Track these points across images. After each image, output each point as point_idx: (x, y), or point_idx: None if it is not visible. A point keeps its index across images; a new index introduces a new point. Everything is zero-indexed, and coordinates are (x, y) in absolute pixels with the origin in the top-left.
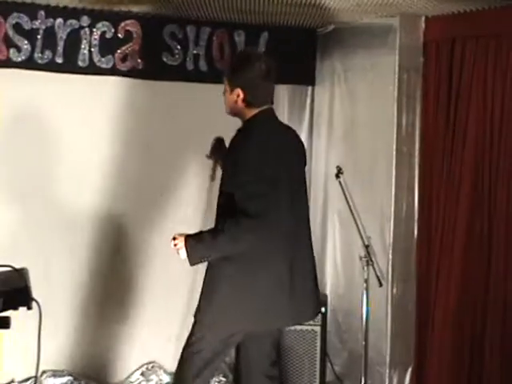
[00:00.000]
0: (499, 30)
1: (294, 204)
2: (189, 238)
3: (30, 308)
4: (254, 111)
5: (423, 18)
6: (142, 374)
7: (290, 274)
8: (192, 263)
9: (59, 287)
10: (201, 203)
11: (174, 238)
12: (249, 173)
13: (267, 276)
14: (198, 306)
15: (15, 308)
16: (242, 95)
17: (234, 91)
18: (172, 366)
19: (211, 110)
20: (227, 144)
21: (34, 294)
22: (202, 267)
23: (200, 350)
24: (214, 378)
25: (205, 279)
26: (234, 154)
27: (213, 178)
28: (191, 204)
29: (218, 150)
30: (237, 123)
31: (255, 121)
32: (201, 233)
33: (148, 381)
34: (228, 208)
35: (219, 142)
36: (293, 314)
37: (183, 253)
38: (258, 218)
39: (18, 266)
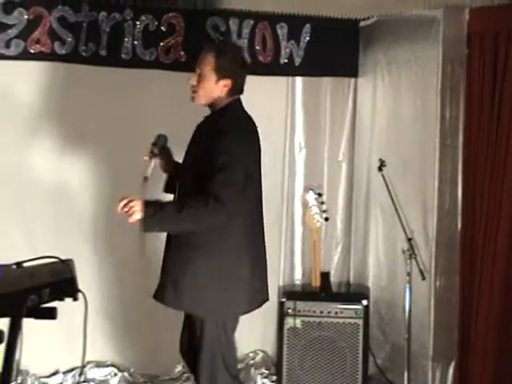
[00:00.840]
0: None
1: (260, 193)
2: (149, 204)
3: (76, 299)
4: (229, 99)
5: (467, 10)
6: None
7: (260, 260)
8: (146, 230)
9: (103, 279)
10: None
11: (124, 200)
12: (233, 160)
13: (248, 261)
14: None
15: (61, 299)
16: (229, 85)
17: (220, 81)
18: None
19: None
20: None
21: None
22: None
23: (224, 355)
24: (257, 371)
25: (184, 272)
26: (221, 139)
27: (147, 178)
28: None
29: (164, 148)
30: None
31: (233, 109)
32: (161, 202)
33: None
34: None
35: (165, 139)
36: (263, 296)
37: (137, 216)
38: (226, 205)
39: (63, 257)
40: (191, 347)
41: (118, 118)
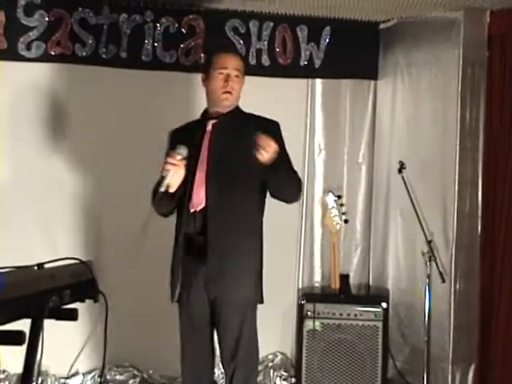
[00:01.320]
0: None
1: None
2: (281, 151)
3: (96, 301)
4: None
5: (488, 12)
6: None
7: None
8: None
9: (122, 280)
10: None
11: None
12: None
13: None
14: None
15: (82, 300)
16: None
17: (243, 79)
18: None
19: (271, 103)
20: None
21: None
22: None
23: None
24: (276, 373)
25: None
26: (276, 130)
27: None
28: None
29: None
30: None
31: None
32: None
33: None
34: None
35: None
36: None
37: (267, 157)
38: None
39: (84, 259)
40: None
41: (138, 120)
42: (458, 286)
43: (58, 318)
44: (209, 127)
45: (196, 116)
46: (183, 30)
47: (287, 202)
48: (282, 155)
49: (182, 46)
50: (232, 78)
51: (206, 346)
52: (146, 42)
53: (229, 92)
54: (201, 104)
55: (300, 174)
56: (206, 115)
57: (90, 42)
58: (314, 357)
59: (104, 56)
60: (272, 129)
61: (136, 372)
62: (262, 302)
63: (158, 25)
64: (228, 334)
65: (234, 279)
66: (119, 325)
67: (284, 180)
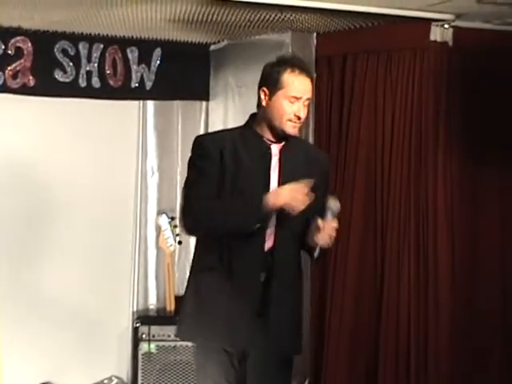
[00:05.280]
0: (389, 46)
1: None
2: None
3: None
4: None
5: (314, 34)
6: None
7: None
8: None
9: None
10: None
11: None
12: None
13: None
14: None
15: None
16: None
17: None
18: None
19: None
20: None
21: None
22: None
23: None
24: None
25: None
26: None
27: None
28: None
29: None
30: None
31: None
32: None
33: None
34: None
35: None
36: None
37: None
38: None
39: None
40: None
41: None
42: None
43: None
44: (275, 151)
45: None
46: (10, 51)
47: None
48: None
49: (9, 68)
50: (306, 108)
51: None
52: None
53: (300, 122)
54: (31, 127)
55: (133, 196)
56: (255, 130)
57: None
58: (150, 379)
59: None
60: (326, 164)
61: None
62: None
63: None
64: None
65: None
66: None
67: None
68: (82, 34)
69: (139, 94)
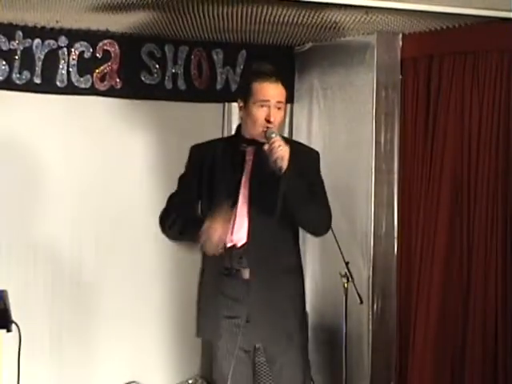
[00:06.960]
0: (475, 47)
1: None
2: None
3: (9, 330)
4: None
5: (400, 36)
6: None
7: None
8: (286, 176)
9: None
10: None
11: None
12: None
13: None
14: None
15: None
16: None
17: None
18: None
19: (190, 129)
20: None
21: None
22: None
23: None
24: None
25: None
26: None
27: None
28: None
29: None
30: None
31: None
32: None
33: None
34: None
35: None
36: None
37: (285, 159)
38: None
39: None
40: None
41: (58, 145)
42: (375, 307)
43: None
44: (249, 156)
45: (104, 141)
46: (98, 54)
47: (314, 234)
48: (316, 187)
49: (97, 70)
50: (278, 113)
51: None
52: (61, 67)
53: (270, 127)
54: (121, 129)
55: None
56: (238, 138)
57: (3, 67)
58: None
59: (17, 82)
60: (311, 160)
61: None
62: None
63: (73, 50)
64: None
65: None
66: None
67: (312, 212)
68: (167, 36)
69: (224, 96)
